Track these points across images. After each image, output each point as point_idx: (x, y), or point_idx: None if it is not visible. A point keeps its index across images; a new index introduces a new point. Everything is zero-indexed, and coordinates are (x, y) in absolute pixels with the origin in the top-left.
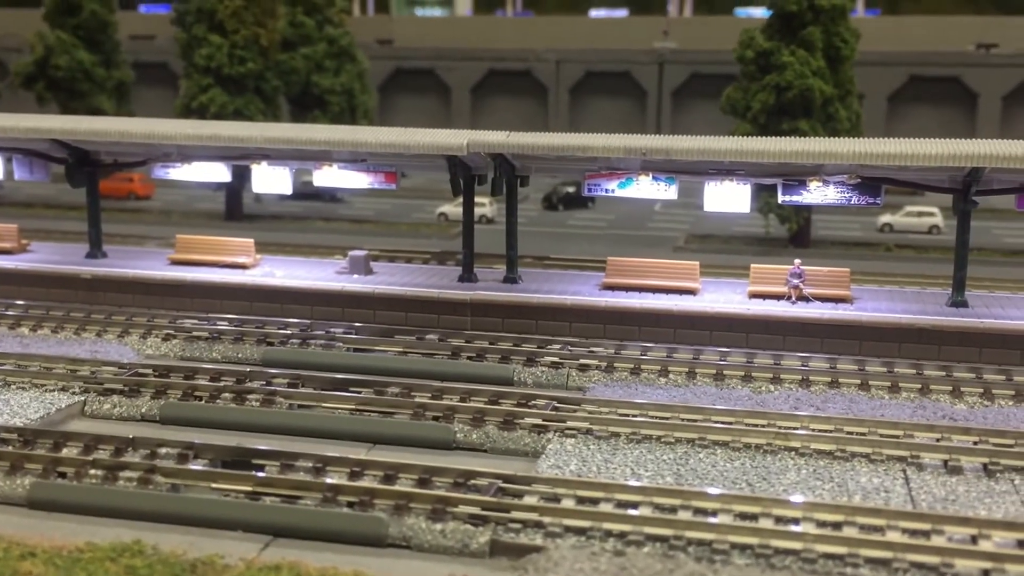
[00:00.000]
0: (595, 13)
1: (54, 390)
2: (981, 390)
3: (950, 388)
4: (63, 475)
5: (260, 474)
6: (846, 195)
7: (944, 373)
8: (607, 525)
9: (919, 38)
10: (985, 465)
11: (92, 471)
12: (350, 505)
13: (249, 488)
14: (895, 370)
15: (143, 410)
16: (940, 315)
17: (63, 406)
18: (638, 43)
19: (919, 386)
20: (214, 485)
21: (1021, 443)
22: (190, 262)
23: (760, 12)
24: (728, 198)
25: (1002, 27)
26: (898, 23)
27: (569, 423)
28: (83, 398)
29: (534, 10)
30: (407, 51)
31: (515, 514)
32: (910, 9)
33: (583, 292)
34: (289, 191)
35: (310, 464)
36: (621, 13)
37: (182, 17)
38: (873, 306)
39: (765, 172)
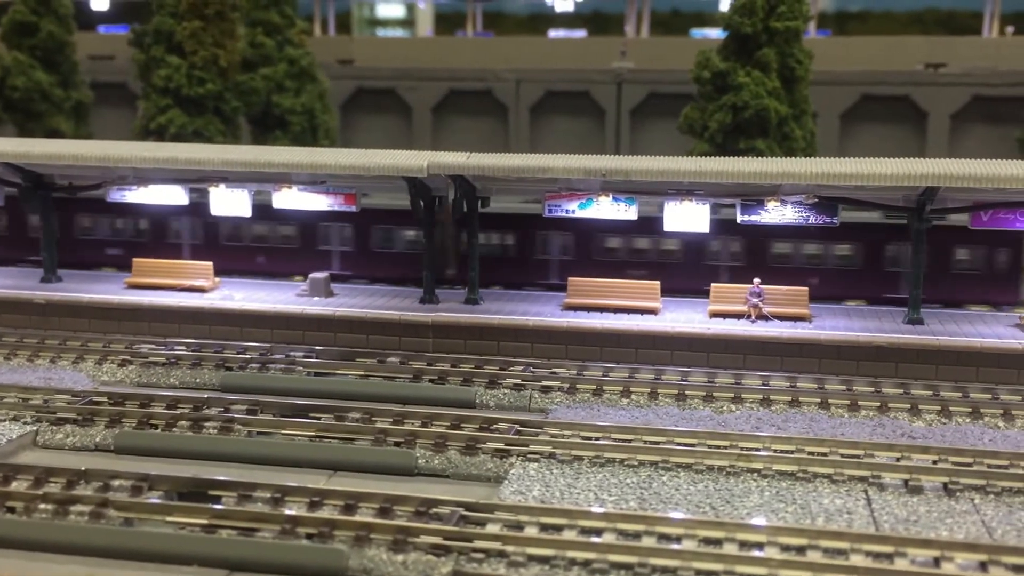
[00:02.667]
0: (554, 34)
1: (5, 420)
2: (938, 407)
3: (908, 406)
4: (12, 510)
5: (217, 506)
6: (804, 215)
7: (902, 390)
8: (571, 553)
9: (870, 58)
10: (945, 484)
11: (43, 505)
12: (309, 537)
13: (205, 521)
14: (854, 388)
15: (97, 439)
16: (897, 333)
17: (14, 436)
18: (596, 63)
19: (878, 404)
20: (169, 519)
21: (979, 461)
22: (147, 286)
23: (715, 33)
24: (687, 217)
25: (949, 47)
26: (849, 44)
27: (532, 447)
28: (35, 428)
29: (494, 31)
30: (368, 71)
31: (478, 543)
32: (859, 30)
33: (544, 312)
34: (248, 214)
35: (268, 495)
36: (579, 34)
37: (140, 38)
38: (831, 324)
39: (724, 192)
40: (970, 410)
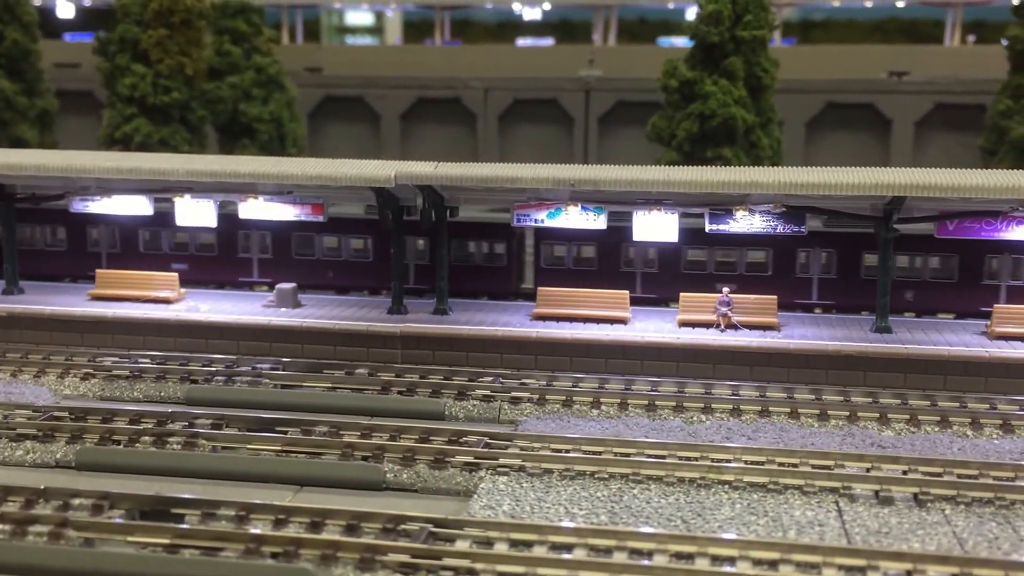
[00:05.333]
0: (522, 42)
1: None
2: (907, 416)
3: (877, 415)
4: None
5: (180, 525)
6: (771, 224)
7: (871, 399)
8: (541, 571)
9: (834, 66)
10: (916, 495)
11: (0, 526)
12: (275, 556)
13: (168, 540)
14: (823, 397)
15: (58, 456)
16: (865, 341)
17: None
18: (564, 71)
19: (847, 413)
20: (131, 538)
21: (949, 471)
22: (111, 297)
23: (682, 42)
24: (656, 227)
25: (911, 55)
26: (813, 52)
27: (501, 460)
28: None
29: (462, 39)
30: (336, 79)
31: (447, 561)
32: (823, 39)
33: (513, 323)
34: (214, 224)
35: (233, 512)
36: (547, 42)
37: (104, 46)
38: (800, 333)
39: (693, 202)
40: (939, 419)
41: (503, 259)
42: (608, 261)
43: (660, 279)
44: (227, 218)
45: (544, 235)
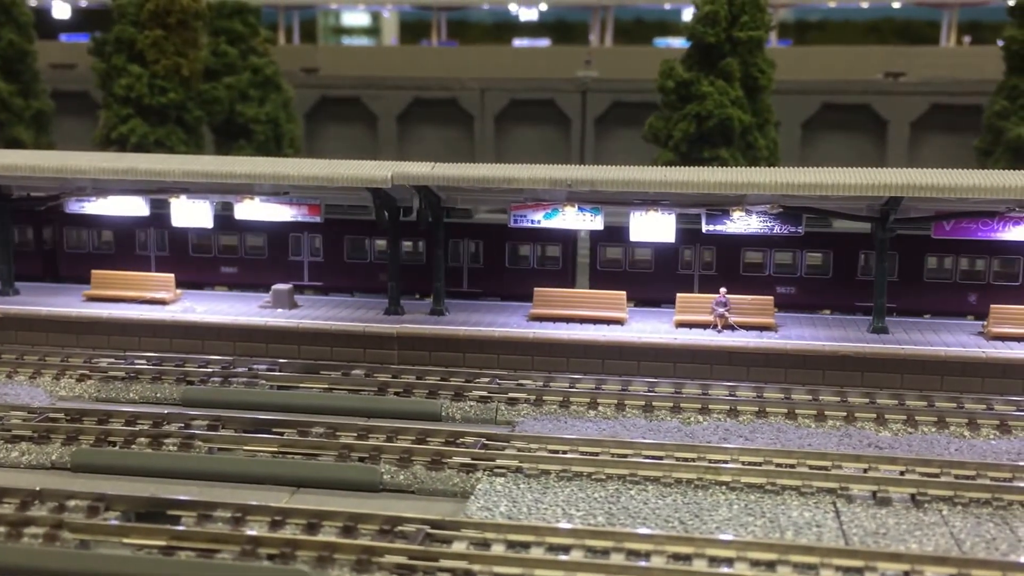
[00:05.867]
0: (518, 43)
1: None
2: (904, 417)
3: (874, 415)
4: None
5: (176, 527)
6: (768, 224)
7: (868, 400)
8: (539, 572)
9: (830, 67)
10: (913, 496)
11: None
12: (271, 558)
13: (163, 542)
14: (820, 398)
15: (53, 457)
16: (862, 342)
17: None
18: (561, 72)
19: (844, 414)
20: (126, 540)
21: (946, 472)
22: (107, 298)
23: (679, 43)
24: (653, 227)
25: (907, 56)
26: (809, 53)
27: (498, 461)
28: None
29: (459, 40)
30: (333, 80)
31: (444, 562)
32: (819, 39)
33: (510, 323)
34: (210, 225)
35: (229, 514)
36: (544, 43)
37: (100, 47)
38: (797, 334)
39: (690, 202)
40: (936, 419)
41: (558, 262)
42: (665, 264)
43: (718, 282)
44: (276, 222)
45: (600, 237)
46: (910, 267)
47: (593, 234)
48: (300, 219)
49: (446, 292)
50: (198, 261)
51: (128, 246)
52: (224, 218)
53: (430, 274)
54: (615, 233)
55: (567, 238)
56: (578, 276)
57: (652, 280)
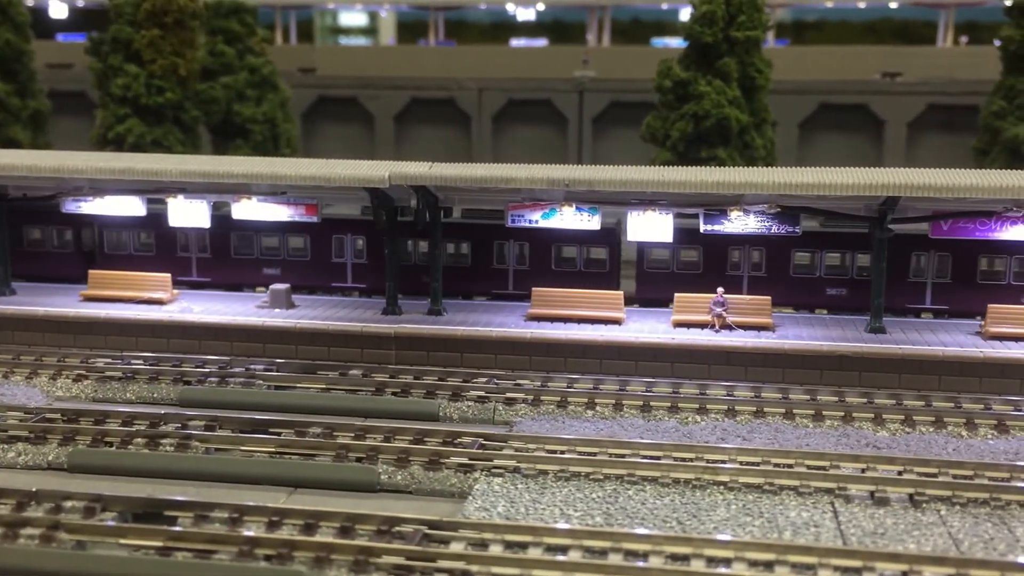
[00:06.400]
0: (516, 43)
1: None
2: (902, 416)
3: (872, 415)
4: None
5: (172, 528)
6: (766, 224)
7: (865, 400)
8: (536, 572)
9: (827, 67)
10: (911, 496)
11: None
12: (268, 558)
13: (160, 543)
14: (818, 398)
15: (50, 458)
16: (860, 342)
17: None
18: (558, 72)
19: (842, 414)
20: (123, 541)
21: (944, 472)
22: (104, 298)
23: (676, 42)
24: (651, 227)
25: (904, 56)
26: (807, 53)
27: (496, 461)
28: None
29: (456, 39)
30: (330, 80)
31: (441, 563)
32: (816, 39)
33: (508, 323)
34: (207, 225)
35: (226, 515)
36: (541, 42)
37: (97, 46)
38: (794, 333)
39: (687, 202)
40: (933, 419)
41: (605, 264)
42: (713, 264)
43: (767, 282)
44: (322, 222)
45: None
46: (962, 269)
47: None
48: (345, 219)
49: (490, 294)
50: (240, 263)
51: (169, 247)
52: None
53: (475, 276)
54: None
55: (613, 240)
56: (622, 278)
57: (701, 281)
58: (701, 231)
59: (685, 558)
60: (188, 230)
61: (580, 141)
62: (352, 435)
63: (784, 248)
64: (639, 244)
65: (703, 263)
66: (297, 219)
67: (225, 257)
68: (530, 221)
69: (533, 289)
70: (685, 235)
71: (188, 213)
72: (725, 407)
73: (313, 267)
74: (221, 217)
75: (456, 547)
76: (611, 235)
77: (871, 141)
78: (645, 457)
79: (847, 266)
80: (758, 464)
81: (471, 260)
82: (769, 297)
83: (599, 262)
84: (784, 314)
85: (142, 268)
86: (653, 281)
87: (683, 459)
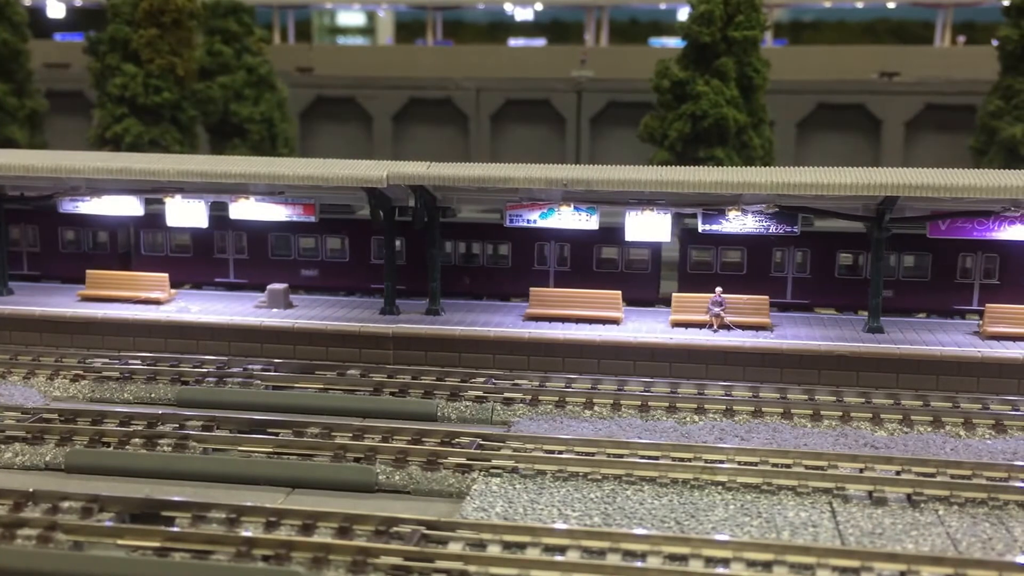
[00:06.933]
0: (514, 42)
1: None
2: (900, 416)
3: (870, 415)
4: None
5: (170, 528)
6: (764, 224)
7: (863, 400)
8: (535, 573)
9: (825, 67)
10: (909, 496)
11: None
12: (266, 559)
13: (158, 544)
14: (816, 398)
15: (47, 458)
16: (857, 341)
17: None
18: (556, 72)
19: (840, 413)
20: (120, 542)
21: (943, 472)
22: (101, 298)
23: (674, 42)
24: (649, 227)
25: (901, 56)
26: (804, 53)
27: (494, 461)
28: None
29: (454, 39)
30: (328, 79)
31: (439, 563)
32: (813, 39)
33: (506, 323)
34: (205, 224)
35: (224, 515)
36: (539, 42)
37: (95, 46)
38: (792, 333)
39: (685, 202)
40: (931, 419)
41: (647, 265)
42: (757, 265)
43: (814, 284)
44: (361, 222)
45: (692, 239)
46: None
47: (682, 236)
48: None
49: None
50: (278, 264)
51: (206, 249)
52: (303, 220)
53: (516, 277)
54: (707, 234)
55: (654, 241)
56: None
57: (744, 283)
58: (744, 232)
59: (683, 558)
60: (225, 232)
61: (578, 141)
62: (350, 435)
63: (830, 249)
64: (681, 245)
65: (747, 264)
66: (335, 218)
67: (263, 258)
68: (529, 221)
69: (531, 289)
70: (728, 236)
71: (185, 213)
72: (723, 407)
73: (352, 269)
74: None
75: (454, 547)
76: None
77: (868, 141)
78: (643, 457)
79: (894, 267)
80: (756, 464)
81: (511, 262)
82: (767, 297)
83: (640, 263)
84: (782, 314)
85: (179, 269)
86: (696, 283)
87: (681, 459)
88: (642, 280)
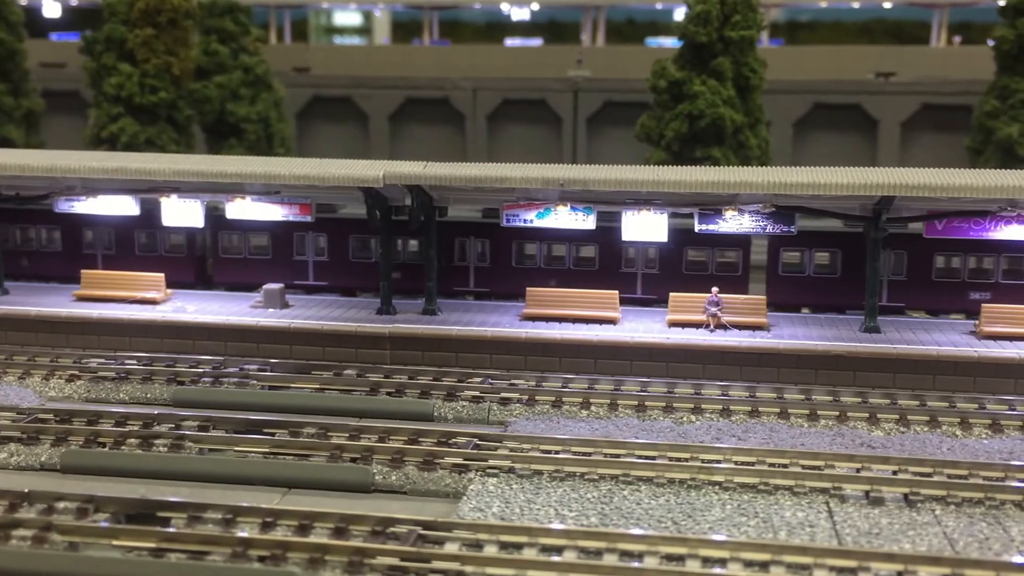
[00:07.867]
0: (510, 42)
1: None
2: (897, 416)
3: (867, 415)
4: None
5: (166, 529)
6: (761, 223)
7: (860, 399)
8: (531, 573)
9: (821, 67)
10: (906, 495)
11: None
12: (262, 559)
13: (153, 544)
14: (813, 397)
15: (42, 458)
16: (854, 341)
17: None
18: (553, 71)
19: (837, 413)
20: (116, 542)
21: (939, 472)
22: (97, 298)
23: (671, 42)
24: (646, 227)
25: (898, 56)
26: (801, 53)
27: (491, 461)
28: None
29: (451, 39)
30: (324, 79)
31: (436, 564)
32: (810, 39)
33: (503, 323)
34: (201, 224)
35: (220, 515)
36: (536, 42)
37: (91, 45)
38: (789, 333)
39: (682, 201)
40: (928, 419)
41: (737, 267)
42: (852, 267)
43: (910, 287)
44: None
45: (782, 241)
46: None
47: (772, 238)
48: (466, 221)
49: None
50: (358, 267)
51: (286, 251)
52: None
53: (602, 279)
54: (800, 236)
55: (744, 242)
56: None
57: (837, 287)
58: (835, 232)
59: (680, 558)
60: (304, 234)
61: (575, 141)
62: (346, 435)
63: (928, 252)
64: (772, 247)
65: (841, 267)
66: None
67: (343, 261)
68: (526, 221)
69: (527, 289)
70: (818, 237)
71: (181, 212)
72: (720, 407)
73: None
74: (338, 220)
75: (451, 548)
76: (743, 237)
77: (865, 141)
78: (640, 457)
79: (994, 270)
80: (753, 464)
81: (597, 264)
82: (764, 297)
83: (731, 265)
84: (779, 314)
85: (258, 271)
86: (786, 285)
87: (678, 459)
88: (732, 282)
